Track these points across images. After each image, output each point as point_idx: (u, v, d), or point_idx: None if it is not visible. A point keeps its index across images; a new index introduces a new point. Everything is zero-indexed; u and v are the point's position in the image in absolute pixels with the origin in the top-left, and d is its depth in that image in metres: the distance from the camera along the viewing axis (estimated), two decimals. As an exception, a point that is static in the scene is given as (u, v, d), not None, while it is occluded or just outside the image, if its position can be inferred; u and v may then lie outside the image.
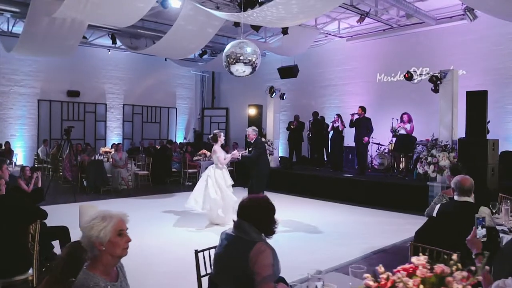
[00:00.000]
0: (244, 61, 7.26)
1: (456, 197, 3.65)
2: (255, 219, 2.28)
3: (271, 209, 2.35)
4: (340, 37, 12.73)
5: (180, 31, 9.72)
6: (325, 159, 12.26)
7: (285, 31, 11.06)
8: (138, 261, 4.68)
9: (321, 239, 6.35)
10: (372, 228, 7.10)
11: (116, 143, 12.95)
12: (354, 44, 13.02)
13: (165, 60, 15.28)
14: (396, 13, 10.86)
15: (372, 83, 12.85)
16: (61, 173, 11.03)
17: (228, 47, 7.43)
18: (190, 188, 11.83)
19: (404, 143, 9.76)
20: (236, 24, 10.51)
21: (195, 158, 12.46)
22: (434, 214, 3.80)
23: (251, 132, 7.47)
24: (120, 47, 13.56)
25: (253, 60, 7.34)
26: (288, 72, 13.49)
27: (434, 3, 10.11)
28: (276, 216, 2.37)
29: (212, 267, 2.40)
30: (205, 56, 14.29)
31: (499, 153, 8.21)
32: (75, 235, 4.57)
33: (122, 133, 15.57)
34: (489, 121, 8.30)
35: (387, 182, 9.23)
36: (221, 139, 7.56)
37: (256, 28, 10.45)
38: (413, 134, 9.83)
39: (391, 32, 11.84)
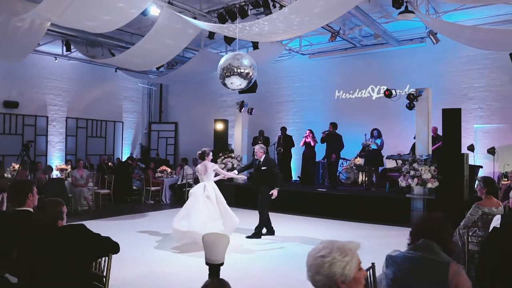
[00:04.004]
0: (241, 74, 7.07)
1: (517, 208, 3.85)
2: (442, 239, 2.15)
3: (451, 228, 2.24)
4: (302, 54, 12.97)
5: (152, 41, 9.18)
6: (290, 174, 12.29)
7: (255, 45, 10.97)
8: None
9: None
10: (368, 242, 7.08)
11: (77, 159, 11.71)
12: (314, 61, 13.35)
13: (116, 71, 14.38)
14: (359, 33, 11.38)
15: (331, 100, 13.24)
16: (10, 194, 9.66)
17: (222, 60, 7.17)
18: (154, 207, 11.20)
19: (375, 157, 10.15)
20: (211, 36, 10.24)
21: (157, 175, 11.80)
22: (495, 225, 3.93)
23: (259, 149, 7.28)
24: (69, 55, 12.47)
25: (250, 73, 7.19)
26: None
27: (397, 25, 10.74)
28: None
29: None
30: (162, 69, 13.66)
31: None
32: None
33: (65, 148, 14.19)
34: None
35: (368, 196, 9.47)
36: (209, 157, 7.25)
37: (229, 41, 10.26)
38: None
39: (352, 50, 12.34)
